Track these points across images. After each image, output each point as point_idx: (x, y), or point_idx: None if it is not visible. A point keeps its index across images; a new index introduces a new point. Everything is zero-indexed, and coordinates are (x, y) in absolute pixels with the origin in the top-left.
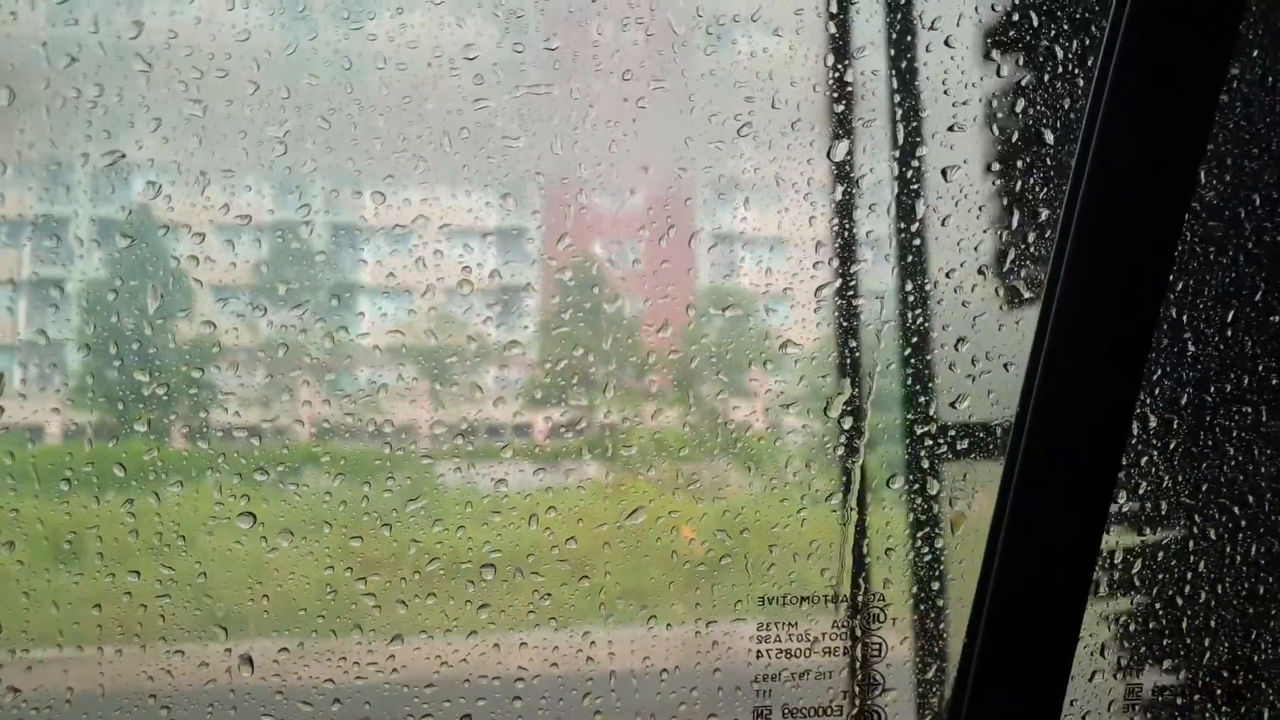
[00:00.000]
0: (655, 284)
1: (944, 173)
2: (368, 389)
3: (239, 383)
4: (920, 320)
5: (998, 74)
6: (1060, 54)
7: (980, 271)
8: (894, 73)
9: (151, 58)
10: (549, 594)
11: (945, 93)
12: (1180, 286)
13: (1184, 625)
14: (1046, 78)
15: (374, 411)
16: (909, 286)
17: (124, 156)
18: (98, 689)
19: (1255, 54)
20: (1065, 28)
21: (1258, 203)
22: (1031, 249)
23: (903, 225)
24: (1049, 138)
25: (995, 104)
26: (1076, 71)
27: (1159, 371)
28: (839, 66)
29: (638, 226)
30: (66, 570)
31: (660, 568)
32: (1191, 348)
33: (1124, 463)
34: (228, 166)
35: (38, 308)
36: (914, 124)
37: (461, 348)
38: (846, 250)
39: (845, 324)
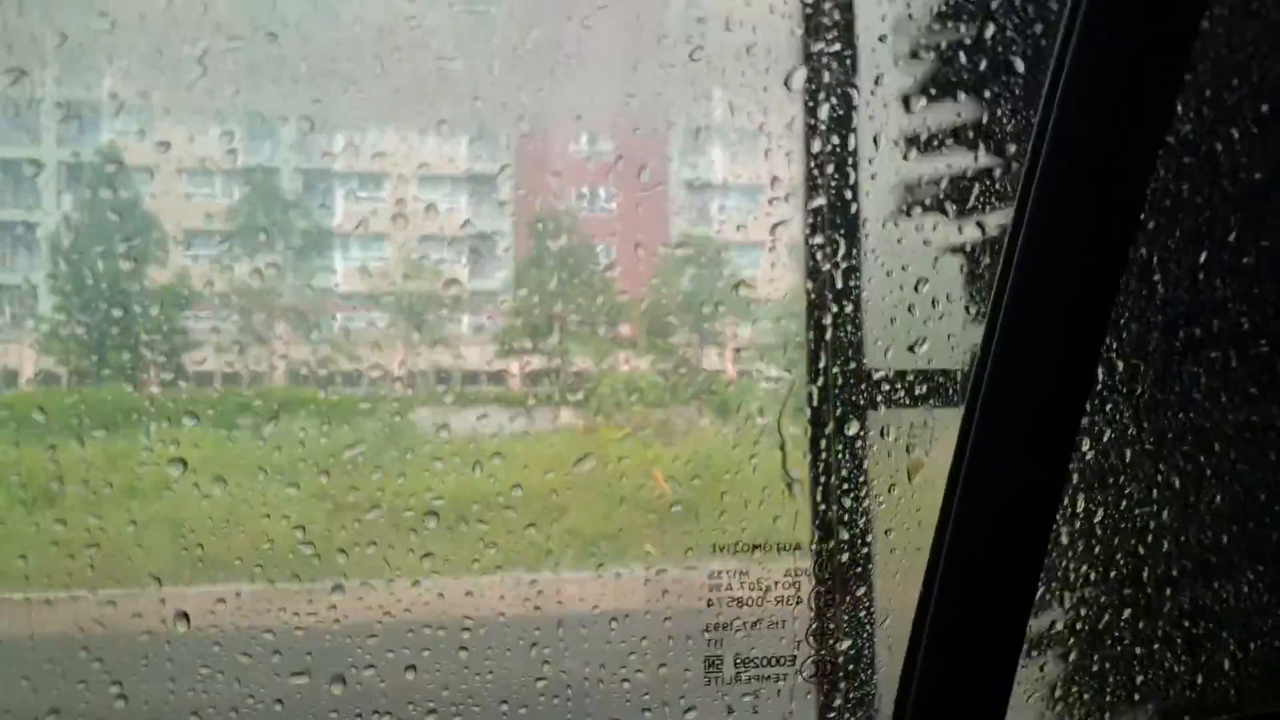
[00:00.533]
0: (604, 222)
1: (906, 102)
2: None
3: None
4: (881, 261)
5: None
6: None
7: (943, 210)
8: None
9: None
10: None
11: (910, 17)
12: (1151, 226)
13: (1145, 575)
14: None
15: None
16: (867, 227)
17: (24, 74)
18: (26, 636)
19: None
20: None
21: (1234, 137)
22: (997, 185)
23: (864, 159)
24: (1019, 66)
25: (963, 30)
26: None
27: (1125, 315)
28: None
29: (583, 159)
30: (38, 514)
31: (613, 512)
32: (1161, 290)
33: (1087, 410)
34: (193, 106)
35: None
36: (877, 51)
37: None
38: (807, 186)
39: (809, 265)
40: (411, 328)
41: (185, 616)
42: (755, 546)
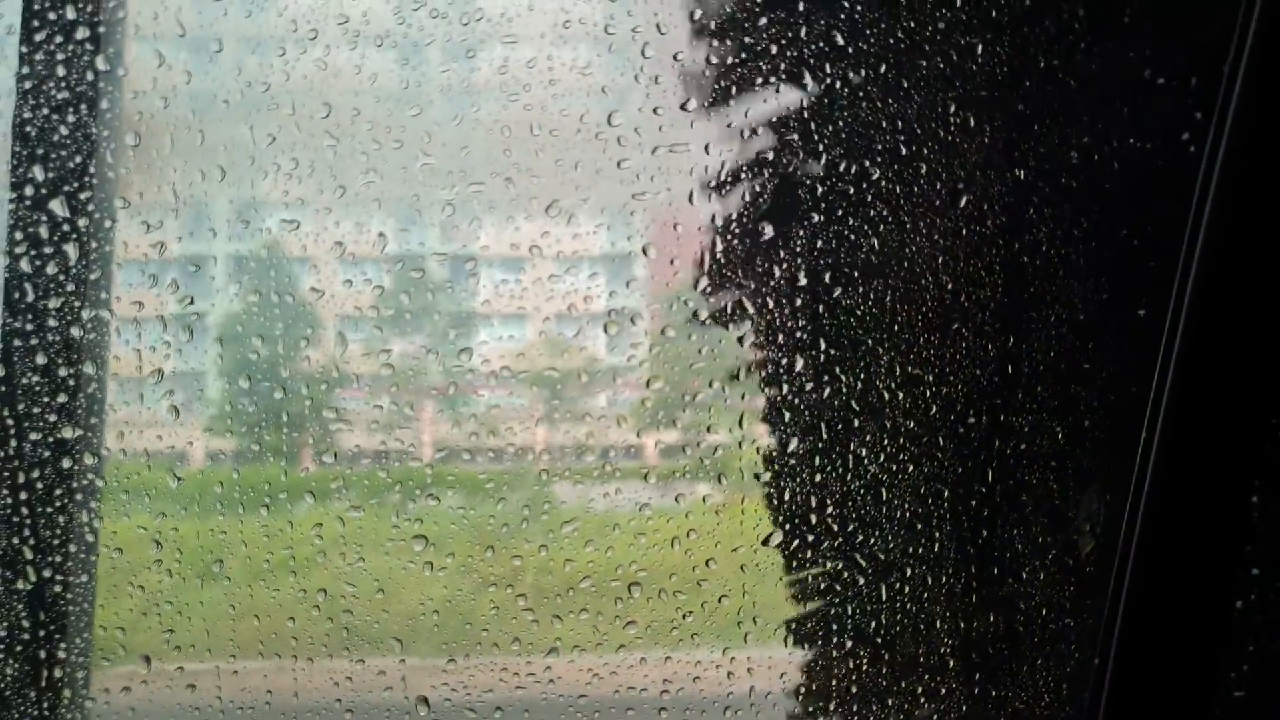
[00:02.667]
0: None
1: None
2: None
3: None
4: None
5: None
6: None
7: None
8: None
9: (279, 99)
10: None
11: None
12: None
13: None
14: None
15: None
16: None
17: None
18: (289, 694)
19: None
20: None
21: None
22: None
23: None
24: None
25: None
26: None
27: None
28: None
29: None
30: (202, 589)
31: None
32: None
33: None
34: (410, 203)
35: (181, 340)
36: None
37: None
38: None
39: None
40: (552, 404)
41: (425, 703)
42: None
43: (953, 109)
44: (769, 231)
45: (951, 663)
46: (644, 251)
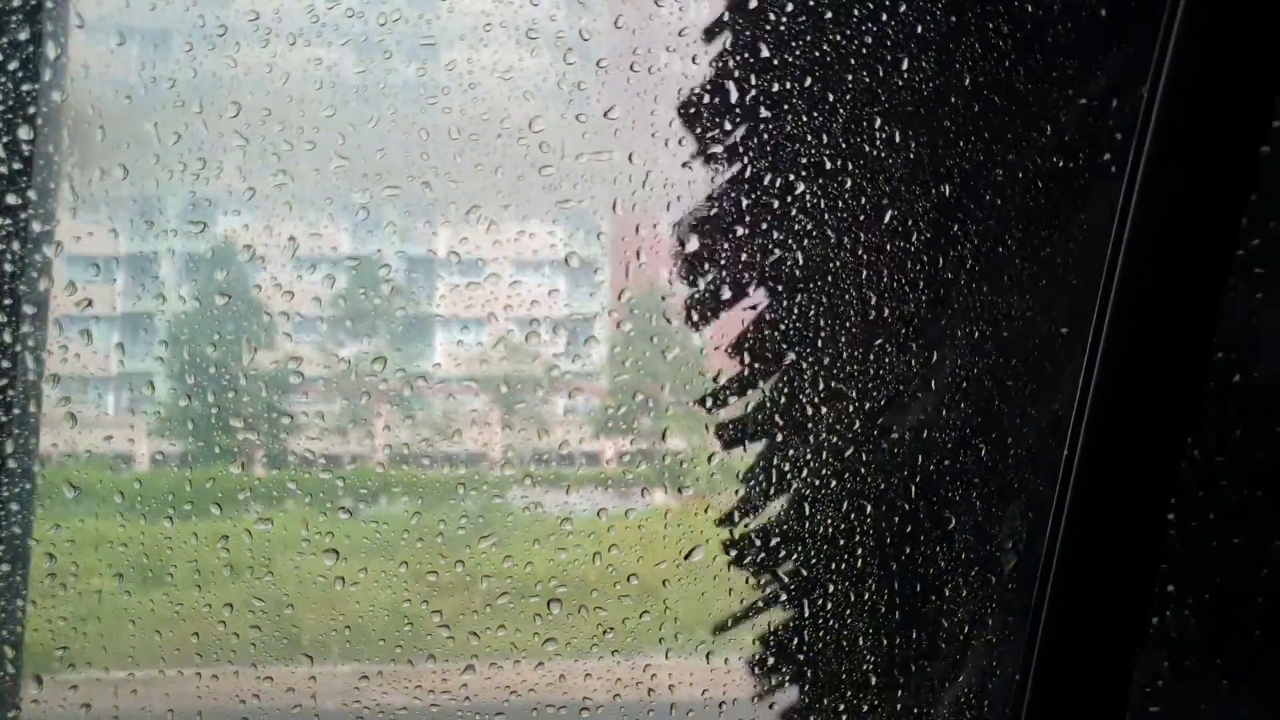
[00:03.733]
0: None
1: None
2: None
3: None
4: None
5: None
6: None
7: None
8: None
9: (255, 108)
10: None
11: None
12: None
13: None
14: None
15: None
16: None
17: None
18: (194, 710)
19: None
20: None
21: None
22: None
23: None
24: None
25: None
26: None
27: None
28: None
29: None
30: (152, 593)
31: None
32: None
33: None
34: (322, 206)
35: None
36: None
37: None
38: None
39: None
40: (509, 408)
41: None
42: None
43: (878, 124)
44: (693, 243)
45: (874, 679)
46: (566, 261)
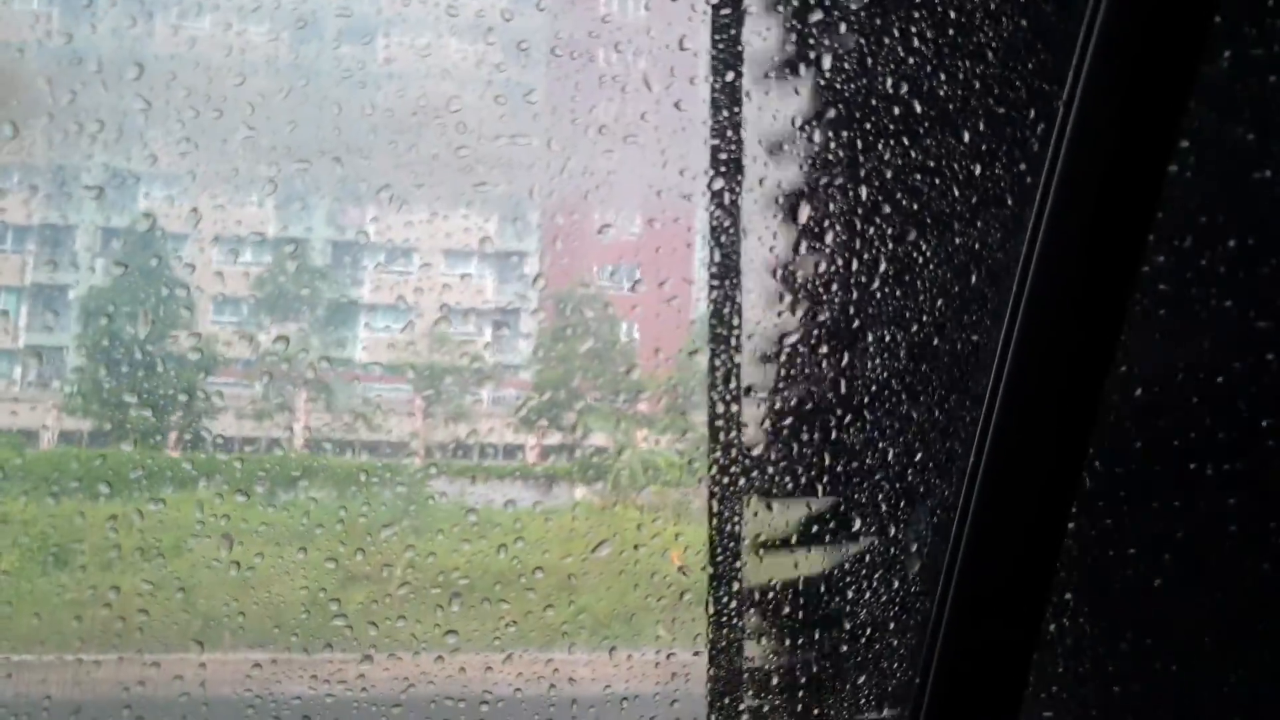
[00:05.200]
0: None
1: None
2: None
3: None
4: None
5: None
6: None
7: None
8: None
9: (160, 72)
10: None
11: None
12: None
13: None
14: None
15: None
16: None
17: (64, 140)
18: (77, 695)
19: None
20: None
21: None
22: None
23: None
24: None
25: None
26: None
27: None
28: None
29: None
30: (50, 577)
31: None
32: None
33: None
34: (228, 178)
35: (39, 313)
36: None
37: None
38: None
39: None
40: (433, 398)
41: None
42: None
43: (798, 123)
44: (610, 234)
45: (775, 679)
46: (480, 244)
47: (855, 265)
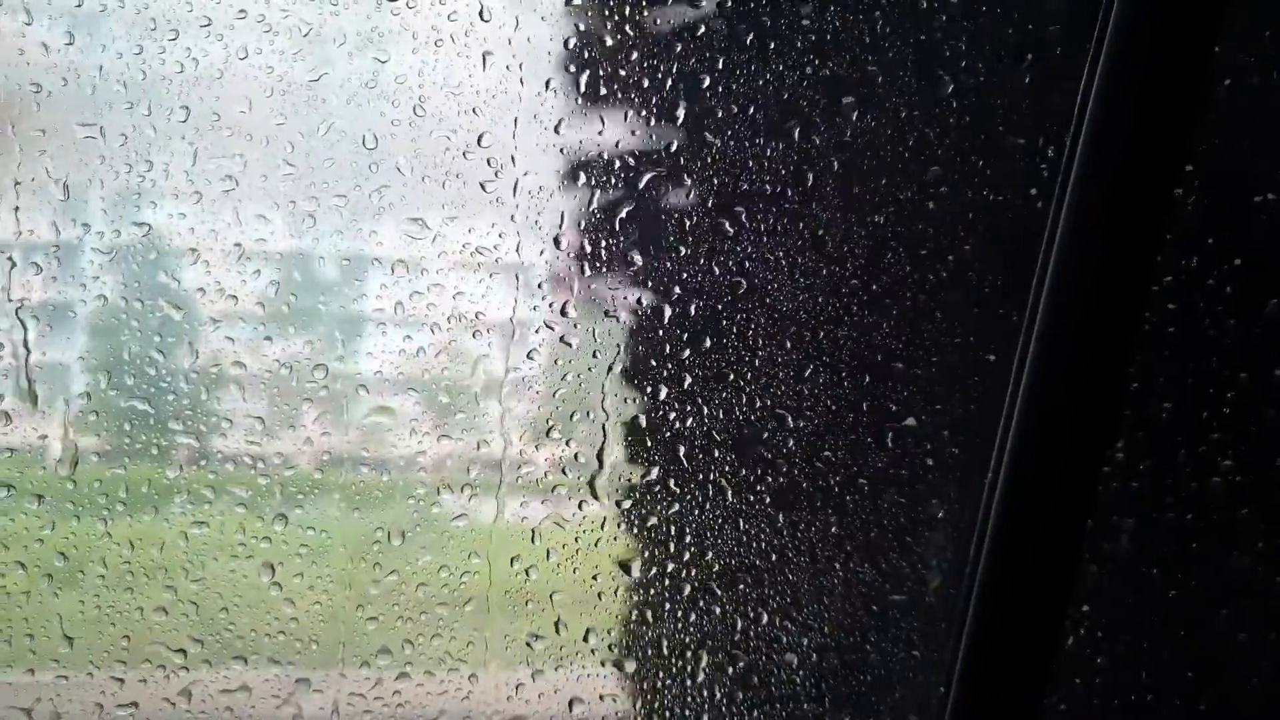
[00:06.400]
0: None
1: None
2: None
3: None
4: None
5: None
6: None
7: None
8: None
9: (164, 86)
10: None
11: None
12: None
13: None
14: None
15: None
16: None
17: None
18: (94, 711)
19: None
20: None
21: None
22: None
23: None
24: None
25: None
26: None
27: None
28: None
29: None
30: (60, 597)
31: None
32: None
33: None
34: (234, 192)
35: (48, 331)
36: None
37: None
38: None
39: None
40: (443, 413)
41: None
42: None
43: (815, 156)
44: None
45: (802, 692)
46: (493, 256)
47: (875, 288)
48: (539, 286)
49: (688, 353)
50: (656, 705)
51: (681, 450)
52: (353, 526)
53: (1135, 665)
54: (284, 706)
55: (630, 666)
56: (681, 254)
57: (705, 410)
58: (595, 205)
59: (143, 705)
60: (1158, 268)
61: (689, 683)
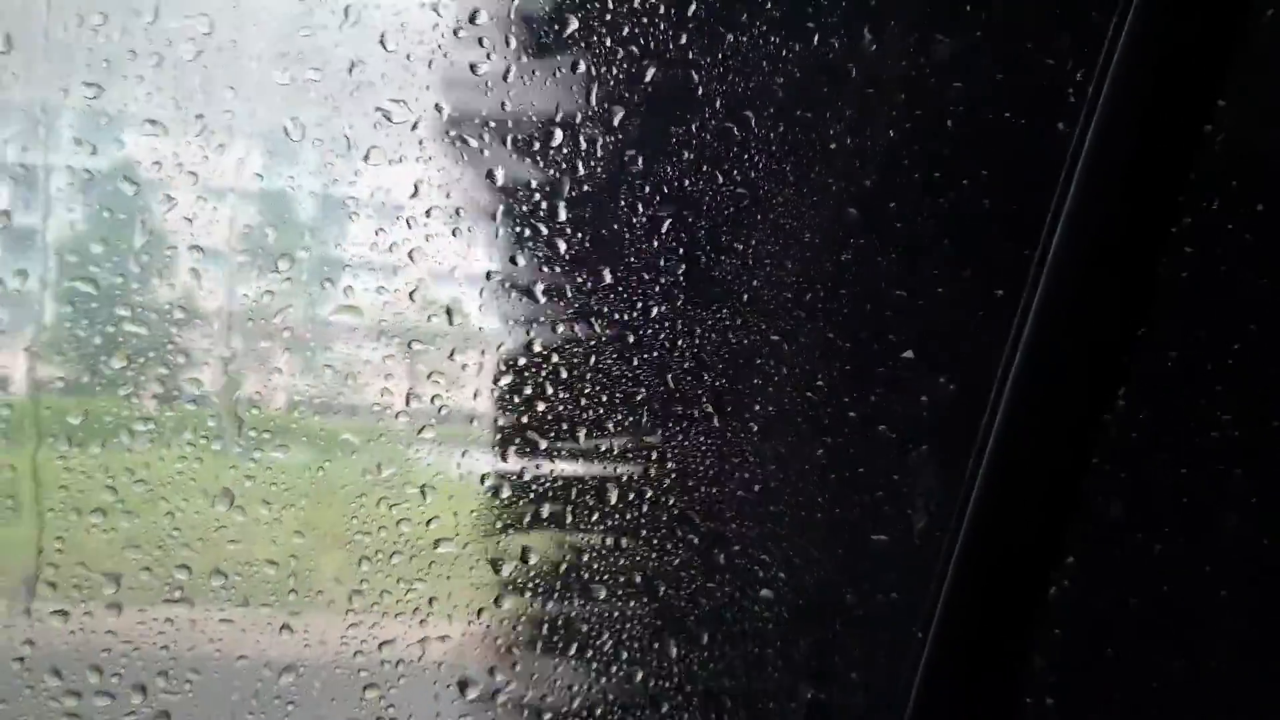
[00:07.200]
0: None
1: None
2: None
3: None
4: None
5: None
6: None
7: None
8: None
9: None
10: None
11: None
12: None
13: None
14: None
15: None
16: None
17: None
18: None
19: None
20: None
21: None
22: None
23: None
24: None
25: None
26: None
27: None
28: None
29: None
30: (13, 528)
31: None
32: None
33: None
34: (214, 122)
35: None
36: None
37: None
38: None
39: None
40: (416, 360)
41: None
42: None
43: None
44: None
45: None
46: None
47: (880, 212)
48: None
49: (681, 273)
50: (624, 637)
51: (670, 378)
52: (319, 470)
53: (1118, 620)
54: (223, 644)
55: (601, 594)
56: (679, 172)
57: (697, 333)
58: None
59: (76, 637)
60: (1179, 208)
61: (670, 618)
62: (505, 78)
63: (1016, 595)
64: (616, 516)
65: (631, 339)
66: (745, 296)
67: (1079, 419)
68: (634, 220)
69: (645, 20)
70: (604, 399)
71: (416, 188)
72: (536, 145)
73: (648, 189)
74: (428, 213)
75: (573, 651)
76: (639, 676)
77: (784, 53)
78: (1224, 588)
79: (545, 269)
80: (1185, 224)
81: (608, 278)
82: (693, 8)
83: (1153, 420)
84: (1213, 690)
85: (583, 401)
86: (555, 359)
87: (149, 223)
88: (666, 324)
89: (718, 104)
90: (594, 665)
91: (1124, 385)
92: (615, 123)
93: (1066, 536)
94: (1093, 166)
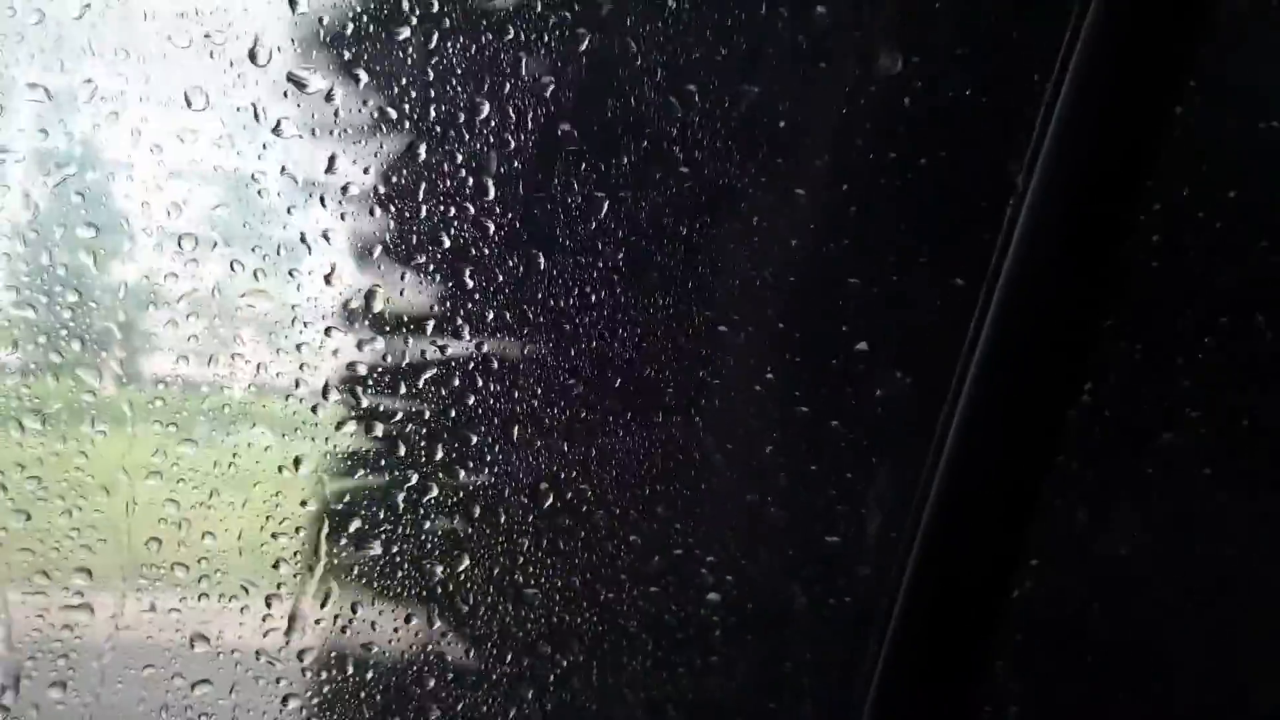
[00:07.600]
0: None
1: None
2: None
3: None
4: None
5: None
6: None
7: None
8: None
9: None
10: None
11: None
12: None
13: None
14: None
15: None
16: None
17: None
18: None
19: None
20: None
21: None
22: None
23: None
24: None
25: None
26: None
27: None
28: None
29: None
30: None
31: None
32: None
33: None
34: (176, 100)
35: None
36: None
37: None
38: None
39: None
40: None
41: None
42: None
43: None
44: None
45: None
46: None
47: (835, 197)
48: None
49: (620, 259)
50: (564, 648)
51: (608, 370)
52: (277, 453)
53: (1082, 625)
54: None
55: (538, 600)
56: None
57: (638, 323)
58: None
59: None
60: (1147, 194)
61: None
62: (428, 44)
63: (976, 598)
64: (552, 518)
65: (567, 327)
66: (689, 284)
67: (1042, 415)
68: (569, 201)
69: None
70: (537, 393)
71: (331, 163)
72: (463, 118)
73: (584, 167)
74: (344, 189)
75: (508, 660)
76: (579, 688)
77: (729, 22)
78: (1191, 590)
79: (473, 251)
80: (1153, 210)
81: (541, 262)
82: None
83: (1118, 417)
84: (1178, 695)
85: (515, 394)
86: (486, 348)
87: (33, 197)
88: (604, 313)
89: (659, 77)
90: (533, 675)
91: (1089, 380)
92: (549, 94)
93: (1029, 537)
94: (1058, 149)
